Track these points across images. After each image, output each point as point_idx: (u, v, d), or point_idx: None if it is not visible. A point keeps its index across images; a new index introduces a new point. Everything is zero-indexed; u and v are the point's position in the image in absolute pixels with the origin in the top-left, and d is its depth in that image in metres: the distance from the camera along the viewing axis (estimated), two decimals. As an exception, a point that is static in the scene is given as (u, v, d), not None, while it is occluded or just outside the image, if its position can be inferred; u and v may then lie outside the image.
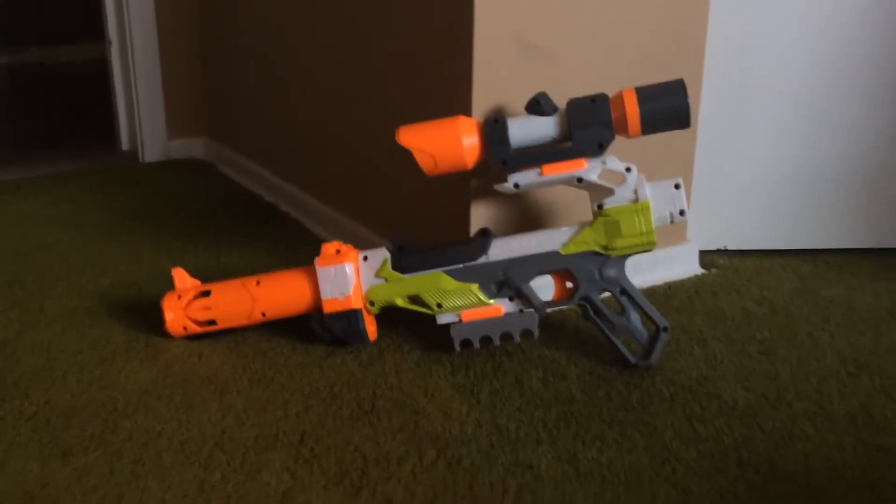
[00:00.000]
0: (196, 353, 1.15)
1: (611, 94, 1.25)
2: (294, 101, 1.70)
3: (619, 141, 1.25)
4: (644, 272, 1.34)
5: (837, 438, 0.96)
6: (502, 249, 1.11)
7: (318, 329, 1.14)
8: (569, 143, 1.08)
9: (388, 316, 1.19)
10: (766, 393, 1.05)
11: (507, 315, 1.10)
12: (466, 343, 1.11)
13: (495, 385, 1.06)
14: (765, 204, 1.47)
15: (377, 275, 1.13)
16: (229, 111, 2.04)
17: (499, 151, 1.09)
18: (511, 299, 1.11)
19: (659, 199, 1.08)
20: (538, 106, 1.09)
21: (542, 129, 1.09)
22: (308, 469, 0.90)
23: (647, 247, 1.08)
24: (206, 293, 1.17)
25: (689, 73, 1.33)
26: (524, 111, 1.13)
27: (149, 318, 1.24)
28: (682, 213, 1.08)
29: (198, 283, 1.20)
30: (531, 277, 1.10)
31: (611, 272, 1.09)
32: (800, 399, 1.04)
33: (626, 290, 1.10)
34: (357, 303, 1.12)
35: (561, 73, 1.22)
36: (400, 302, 1.13)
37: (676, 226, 1.39)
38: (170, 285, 1.35)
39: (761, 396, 1.04)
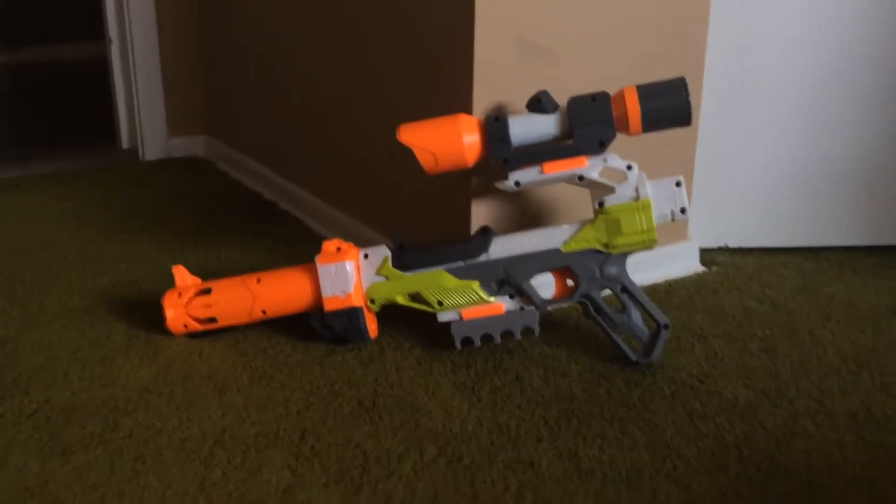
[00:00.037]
0: (196, 350, 1.15)
1: (612, 92, 1.25)
2: (294, 99, 1.70)
3: (620, 139, 1.25)
4: (645, 270, 1.34)
5: (838, 436, 0.96)
6: (503, 247, 1.11)
7: (318, 327, 1.14)
8: (570, 141, 1.08)
9: (389, 314, 1.19)
10: (767, 390, 1.05)
11: (508, 313, 1.10)
12: (467, 341, 1.11)
13: (496, 383, 1.06)
14: (765, 202, 1.47)
15: (378, 273, 1.13)
16: (229, 109, 2.04)
17: (500, 149, 1.09)
18: (512, 297, 1.11)
19: (660, 196, 1.08)
20: (539, 104, 1.09)
21: (543, 127, 1.09)
22: (309, 466, 0.90)
23: (648, 245, 1.08)
24: (207, 291, 1.17)
25: (690, 72, 1.32)
26: (525, 109, 1.13)
27: (149, 315, 1.24)
28: (682, 210, 1.08)
29: (198, 280, 1.20)
30: (532, 275, 1.10)
31: (612, 270, 1.09)
32: (801, 396, 1.04)
33: (626, 288, 1.10)
34: (358, 301, 1.12)
35: (562, 72, 1.22)
36: (401, 300, 1.13)
37: (677, 223, 1.39)
38: (170, 283, 1.35)
39: (762, 394, 1.04)
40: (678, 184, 1.08)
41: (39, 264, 1.45)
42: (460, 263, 1.11)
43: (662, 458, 0.92)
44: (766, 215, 1.48)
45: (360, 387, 1.06)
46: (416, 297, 1.12)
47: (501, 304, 1.11)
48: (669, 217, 1.08)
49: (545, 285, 1.18)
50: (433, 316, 1.13)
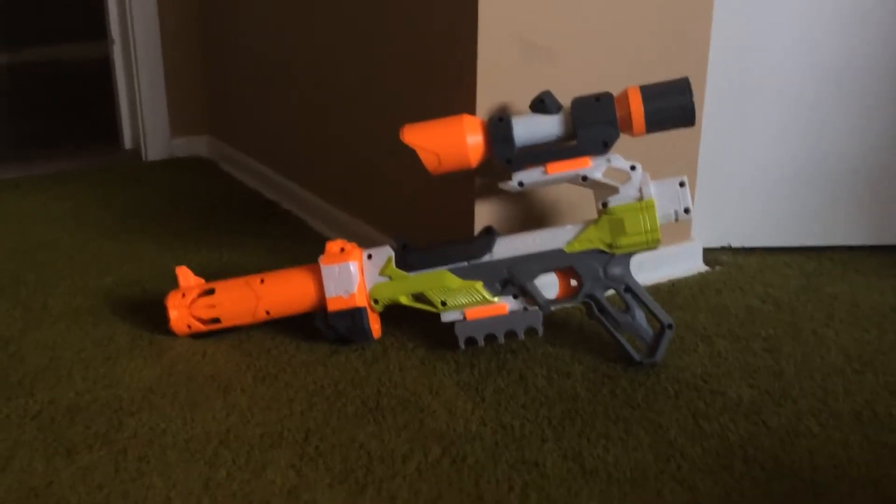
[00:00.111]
0: (200, 351, 1.15)
1: (615, 93, 1.25)
2: (296, 99, 1.70)
3: (623, 139, 1.25)
4: (648, 270, 1.34)
5: (842, 435, 0.96)
6: (507, 247, 1.11)
7: (322, 327, 1.14)
8: (573, 142, 1.08)
9: (393, 314, 1.19)
10: (771, 390, 1.05)
11: (512, 313, 1.10)
12: (471, 341, 1.11)
13: (500, 383, 1.06)
14: (768, 201, 1.47)
15: (381, 273, 1.13)
16: (231, 109, 2.04)
17: (503, 150, 1.09)
18: (515, 297, 1.11)
19: (663, 197, 1.08)
20: (542, 104, 1.09)
21: (546, 127, 1.09)
22: (313, 467, 0.90)
23: (652, 245, 1.08)
24: (211, 291, 1.17)
25: (694, 72, 1.33)
26: (528, 110, 1.13)
27: (152, 316, 1.24)
28: (686, 211, 1.08)
29: (202, 281, 1.20)
30: (535, 275, 1.10)
31: (615, 270, 1.09)
32: (804, 396, 1.04)
33: (630, 288, 1.10)
34: (361, 301, 1.12)
35: (565, 73, 1.22)
36: (404, 300, 1.13)
37: (681, 223, 1.39)
38: (173, 283, 1.35)
39: (766, 393, 1.04)
40: (682, 184, 1.08)
41: (42, 265, 1.45)
42: (464, 264, 1.11)
43: (667, 457, 0.92)
44: (769, 215, 1.48)
45: (363, 387, 1.06)
46: (419, 297, 1.12)
47: (505, 305, 1.11)
48: (673, 217, 1.08)
49: (549, 285, 1.18)
50: (437, 316, 1.13)
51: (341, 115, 1.54)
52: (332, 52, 1.53)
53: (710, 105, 1.40)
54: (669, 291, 1.33)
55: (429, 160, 1.09)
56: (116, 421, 0.99)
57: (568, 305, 1.23)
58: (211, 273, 1.39)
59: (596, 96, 1.07)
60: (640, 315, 1.10)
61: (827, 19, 1.38)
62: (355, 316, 1.12)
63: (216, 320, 1.17)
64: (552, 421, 0.98)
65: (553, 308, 1.12)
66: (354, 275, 1.12)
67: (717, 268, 1.43)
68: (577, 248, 1.09)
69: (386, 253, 1.13)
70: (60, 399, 1.03)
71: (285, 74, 1.72)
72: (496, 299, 1.11)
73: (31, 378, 1.08)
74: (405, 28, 1.30)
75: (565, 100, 1.20)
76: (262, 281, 1.16)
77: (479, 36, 1.14)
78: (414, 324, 1.20)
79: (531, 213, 1.25)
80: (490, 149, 1.09)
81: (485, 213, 1.22)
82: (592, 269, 1.09)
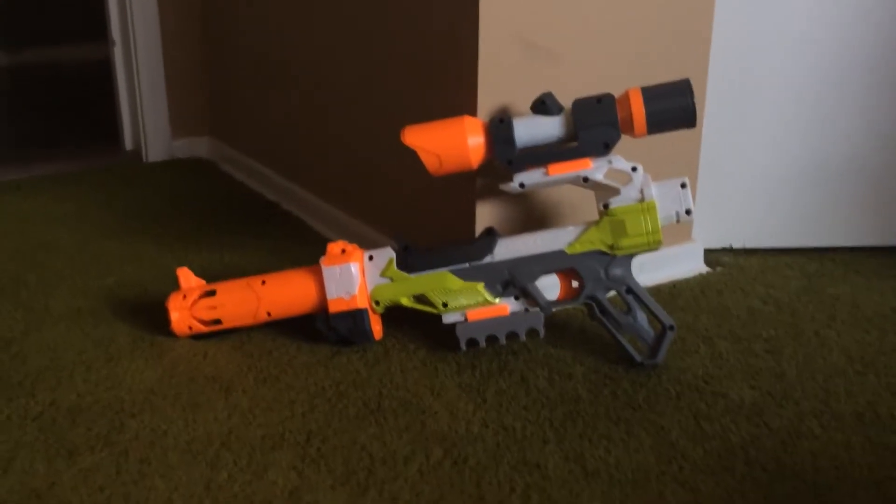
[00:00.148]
0: (201, 352, 1.15)
1: (617, 94, 1.25)
2: (296, 100, 1.70)
3: (624, 140, 1.25)
4: (649, 271, 1.34)
5: (844, 437, 0.96)
6: (508, 249, 1.11)
7: (323, 328, 1.14)
8: (574, 143, 1.08)
9: (394, 315, 1.19)
10: (773, 391, 1.05)
11: (513, 314, 1.10)
12: (472, 342, 1.11)
13: (501, 384, 1.06)
14: (770, 202, 1.47)
15: (383, 274, 1.13)
16: (232, 110, 2.04)
17: (504, 151, 1.09)
18: (517, 298, 1.11)
19: (665, 198, 1.08)
20: (544, 106, 1.09)
21: (547, 129, 1.09)
22: (315, 468, 0.90)
23: (653, 246, 1.08)
24: (212, 293, 1.17)
25: (695, 73, 1.33)
26: (529, 111, 1.13)
27: (154, 317, 1.24)
28: (688, 212, 1.08)
29: (203, 282, 1.20)
30: (537, 277, 1.10)
31: (617, 271, 1.09)
32: (806, 397, 1.04)
33: (631, 289, 1.09)
34: (362, 302, 1.12)
35: (566, 73, 1.22)
36: (405, 301, 1.13)
37: (682, 224, 1.39)
38: (175, 285, 1.35)
39: (768, 395, 1.04)
40: (683, 185, 1.08)
41: (43, 266, 1.45)
42: (465, 265, 1.11)
43: (668, 459, 0.91)
44: (771, 216, 1.48)
45: (365, 388, 1.06)
46: (420, 298, 1.12)
47: (506, 306, 1.11)
48: (674, 218, 1.08)
49: (550, 287, 1.18)
50: (438, 317, 1.13)
51: (342, 116, 1.54)
52: (332, 53, 1.53)
53: (711, 106, 1.40)
54: (671, 293, 1.33)
55: (430, 161, 1.09)
56: (118, 422, 0.99)
57: (569, 307, 1.23)
58: (212, 274, 1.39)
59: (597, 98, 1.07)
60: (641, 316, 1.10)
61: (828, 19, 1.38)
62: (356, 317, 1.12)
63: (217, 322, 1.17)
64: (554, 422, 0.98)
65: (554, 309, 1.12)
66: (356, 276, 1.12)
67: (719, 269, 1.42)
68: (579, 249, 1.09)
69: (387, 254, 1.13)
70: (62, 400, 1.03)
71: (286, 75, 1.72)
72: (497, 301, 1.11)
73: (33, 379, 1.08)
74: (405, 28, 1.30)
75: (566, 100, 1.20)
76: (264, 282, 1.16)
77: (480, 36, 1.14)
78: (415, 325, 1.20)
79: (532, 215, 1.25)
80: (491, 150, 1.09)
81: (486, 215, 1.22)
82: (594, 270, 1.09)
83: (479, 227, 1.22)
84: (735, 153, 1.44)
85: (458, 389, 1.05)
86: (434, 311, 1.12)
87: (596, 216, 1.26)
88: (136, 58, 2.07)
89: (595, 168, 1.08)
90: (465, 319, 1.11)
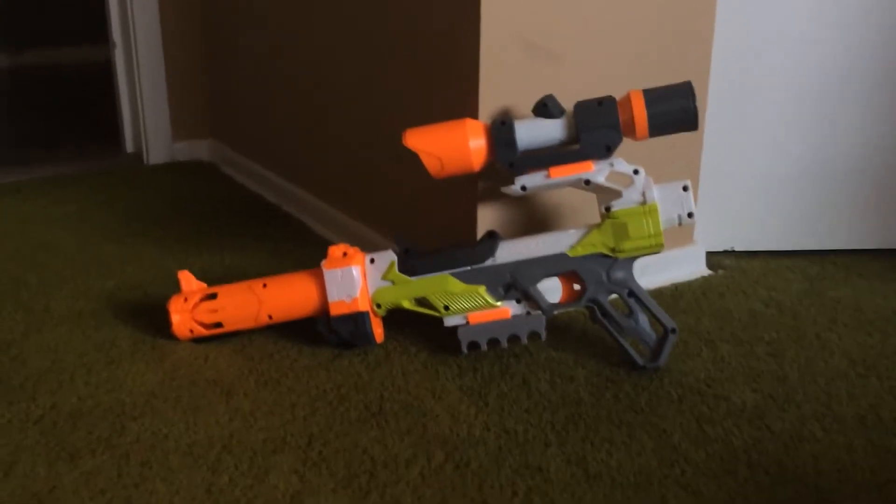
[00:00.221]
0: (202, 355, 1.15)
1: (618, 95, 1.25)
2: (297, 102, 1.70)
3: (625, 143, 1.25)
4: (651, 273, 1.34)
5: (846, 440, 0.96)
6: (509, 252, 1.10)
7: (324, 331, 1.14)
8: (576, 146, 1.08)
9: (395, 318, 1.19)
10: (775, 394, 1.05)
11: (515, 317, 1.10)
12: (474, 345, 1.11)
13: (503, 387, 1.06)
14: (771, 205, 1.47)
15: (384, 277, 1.13)
16: (233, 113, 2.04)
17: (506, 154, 1.08)
18: (518, 301, 1.11)
19: (667, 200, 1.08)
20: (545, 108, 1.08)
21: (549, 131, 1.09)
22: (316, 472, 0.90)
23: (655, 249, 1.08)
24: (213, 296, 1.16)
25: (696, 74, 1.32)
26: (531, 113, 1.13)
27: (155, 320, 1.24)
28: (690, 215, 1.07)
29: (204, 285, 1.20)
30: (538, 280, 1.10)
31: (619, 274, 1.09)
32: (808, 400, 1.04)
33: (633, 292, 1.09)
34: (364, 305, 1.12)
35: (567, 74, 1.22)
36: (407, 304, 1.12)
37: (684, 227, 1.39)
38: (176, 287, 1.35)
39: (770, 398, 1.04)
40: (685, 188, 1.07)
41: (44, 268, 1.45)
42: (467, 268, 1.11)
43: (671, 462, 0.91)
44: (772, 218, 1.48)
45: (366, 391, 1.06)
46: (422, 301, 1.12)
47: (508, 309, 1.10)
48: (676, 221, 1.08)
49: (552, 290, 1.18)
50: (439, 320, 1.13)
51: (342, 118, 1.54)
52: (332, 54, 1.53)
53: (713, 107, 1.40)
54: (672, 295, 1.33)
55: (431, 164, 1.09)
56: (119, 425, 0.98)
57: (571, 309, 1.23)
58: (213, 277, 1.39)
59: (599, 100, 1.07)
60: (643, 319, 1.10)
61: (829, 19, 1.38)
62: (358, 320, 1.12)
63: (218, 325, 1.16)
64: (556, 425, 0.98)
65: (556, 312, 1.11)
66: (357, 279, 1.12)
67: (720, 272, 1.42)
68: (581, 252, 1.09)
69: (388, 257, 1.13)
70: (63, 403, 1.03)
71: (286, 78, 1.72)
72: (499, 303, 1.11)
73: (34, 382, 1.08)
74: (406, 29, 1.30)
75: (568, 101, 1.20)
76: (265, 285, 1.15)
77: (482, 37, 1.14)
78: (416, 328, 1.20)
79: (534, 217, 1.25)
80: (493, 153, 1.09)
81: (487, 217, 1.22)
82: (596, 273, 1.09)
83: (481, 230, 1.22)
84: (736, 155, 1.44)
85: (460, 392, 1.05)
86: (435, 314, 1.12)
87: (597, 219, 1.26)
88: (137, 60, 2.07)
89: (597, 171, 1.08)
90: (467, 322, 1.11)
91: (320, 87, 1.60)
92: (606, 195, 1.08)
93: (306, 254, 1.50)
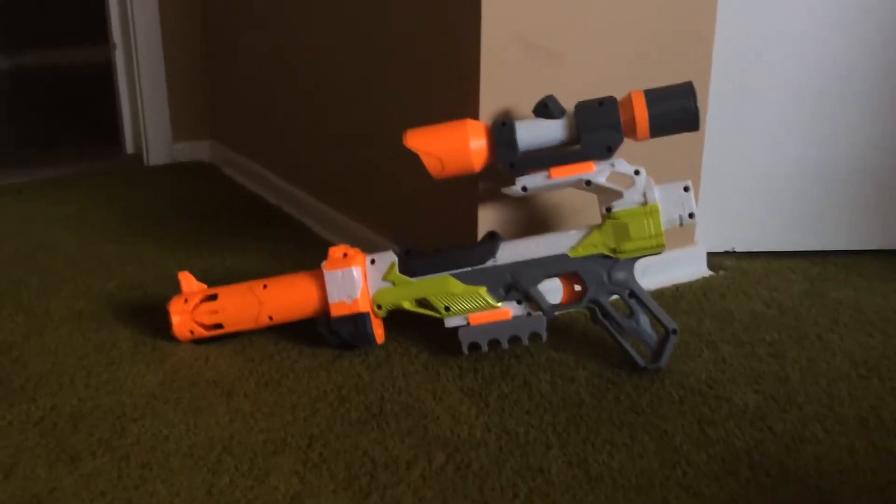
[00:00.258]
0: (203, 356, 1.14)
1: (619, 96, 1.25)
2: (297, 103, 1.70)
3: (626, 143, 1.24)
4: (652, 274, 1.34)
5: (848, 441, 0.96)
6: (510, 253, 1.10)
7: (325, 332, 1.14)
8: (577, 146, 1.08)
9: (396, 319, 1.19)
10: (776, 395, 1.05)
11: (516, 318, 1.10)
12: (474, 346, 1.11)
13: (504, 388, 1.06)
14: (772, 205, 1.46)
15: (384, 278, 1.12)
16: (233, 114, 2.03)
17: (506, 155, 1.08)
18: (519, 302, 1.11)
19: (668, 201, 1.07)
20: (546, 109, 1.08)
21: (549, 132, 1.08)
22: (317, 473, 0.90)
23: (657, 249, 1.08)
24: (213, 297, 1.16)
25: (697, 74, 1.32)
26: (532, 114, 1.13)
27: (155, 321, 1.24)
28: (691, 215, 1.07)
29: (204, 286, 1.20)
30: (539, 280, 1.10)
31: (619, 275, 1.09)
32: (810, 402, 1.03)
33: (634, 293, 1.09)
34: (364, 306, 1.12)
35: (568, 74, 1.22)
36: (407, 305, 1.12)
37: (684, 228, 1.39)
38: (176, 289, 1.34)
39: (771, 399, 1.04)
40: (686, 188, 1.07)
41: (44, 268, 1.45)
42: (467, 269, 1.11)
43: (672, 464, 0.91)
44: (773, 219, 1.47)
45: (367, 392, 1.05)
46: (422, 302, 1.12)
47: (509, 310, 1.10)
48: (678, 222, 1.08)
49: (553, 290, 1.18)
50: (440, 321, 1.13)
51: (343, 118, 1.53)
52: (332, 54, 1.53)
53: (713, 108, 1.40)
54: (673, 296, 1.32)
55: (432, 165, 1.09)
56: (119, 427, 0.98)
57: (572, 310, 1.22)
58: (213, 278, 1.39)
59: (599, 101, 1.07)
60: (644, 320, 1.10)
61: (830, 19, 1.38)
62: (358, 321, 1.12)
63: (219, 326, 1.16)
64: (557, 427, 0.98)
65: (557, 313, 1.11)
66: (357, 280, 1.12)
67: (721, 272, 1.42)
68: (582, 252, 1.09)
69: (389, 258, 1.13)
70: (63, 405, 1.03)
71: (286, 79, 1.72)
72: (500, 304, 1.10)
73: (34, 384, 1.08)
74: (406, 29, 1.30)
75: (568, 101, 1.20)
76: (265, 286, 1.15)
77: (483, 37, 1.14)
78: (417, 329, 1.20)
79: (535, 218, 1.25)
80: (493, 153, 1.09)
81: (488, 218, 1.22)
82: (596, 274, 1.09)
83: (482, 231, 1.22)
84: (737, 156, 1.44)
85: (461, 394, 1.05)
86: (436, 314, 1.12)
87: (598, 220, 1.26)
88: (137, 61, 2.07)
89: (598, 171, 1.08)
90: (468, 323, 1.11)
91: (320, 87, 1.59)
92: (607, 196, 1.08)
93: (307, 255, 1.50)
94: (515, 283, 1.10)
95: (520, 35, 1.16)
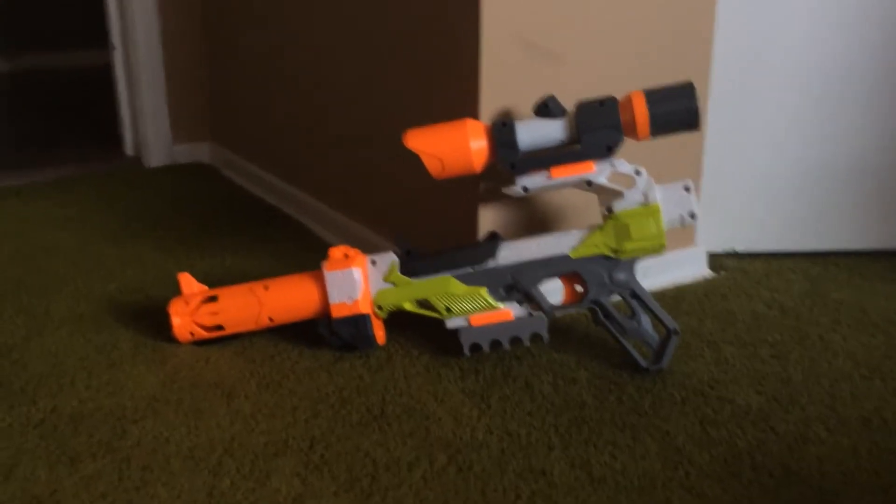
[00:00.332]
0: (203, 358, 1.14)
1: (619, 96, 1.24)
2: (297, 104, 1.69)
3: (627, 143, 1.24)
4: (653, 275, 1.33)
5: (851, 442, 0.95)
6: (511, 253, 1.10)
7: (325, 334, 1.13)
8: (577, 146, 1.08)
9: (397, 320, 1.19)
10: (779, 396, 1.04)
11: (517, 319, 1.10)
12: (476, 347, 1.11)
13: (505, 390, 1.06)
14: (773, 205, 1.46)
15: (385, 279, 1.12)
16: (233, 116, 2.03)
17: (507, 155, 1.08)
18: (520, 303, 1.10)
19: (669, 201, 1.07)
20: (546, 109, 1.08)
21: (550, 132, 1.08)
22: (318, 475, 0.90)
23: (658, 250, 1.07)
24: (214, 298, 1.16)
25: (697, 75, 1.32)
26: (532, 114, 1.12)
27: (155, 323, 1.24)
28: (692, 215, 1.07)
29: (205, 288, 1.20)
30: (540, 281, 1.10)
31: (621, 275, 1.09)
32: (812, 402, 1.03)
33: (636, 294, 1.09)
34: (365, 307, 1.12)
35: (568, 74, 1.22)
36: (408, 306, 1.12)
37: (686, 228, 1.39)
38: (176, 290, 1.34)
39: (774, 400, 1.04)
40: (687, 188, 1.07)
41: (45, 270, 1.44)
42: (468, 269, 1.10)
43: (675, 465, 0.91)
44: (774, 219, 1.47)
45: (368, 394, 1.05)
46: (423, 303, 1.11)
47: (510, 311, 1.10)
48: (679, 222, 1.08)
49: (554, 291, 1.18)
50: (441, 322, 1.13)
51: (342, 118, 1.53)
52: (332, 54, 1.53)
53: (714, 108, 1.40)
54: (675, 297, 1.32)
55: (432, 165, 1.09)
56: (120, 429, 0.98)
57: (573, 311, 1.22)
58: (214, 279, 1.39)
59: (600, 100, 1.07)
60: (645, 321, 1.10)
61: (831, 19, 1.38)
62: (359, 323, 1.12)
63: (219, 327, 1.16)
64: (559, 428, 0.98)
65: (558, 314, 1.11)
66: (358, 281, 1.12)
67: (723, 273, 1.42)
68: (583, 253, 1.09)
69: (390, 259, 1.13)
70: (63, 407, 1.03)
71: (286, 78, 1.72)
72: (501, 305, 1.10)
73: (34, 385, 1.07)
74: (406, 29, 1.30)
75: (569, 101, 1.20)
76: (266, 287, 1.15)
77: (482, 38, 1.14)
78: (418, 330, 1.19)
79: (535, 219, 1.25)
80: (494, 153, 1.09)
81: (489, 219, 1.22)
82: (598, 274, 1.09)
83: (482, 231, 1.22)
84: (737, 156, 1.44)
85: (462, 395, 1.05)
86: (437, 315, 1.11)
87: (599, 220, 1.26)
88: (137, 63, 2.07)
89: (598, 171, 1.08)
90: (469, 324, 1.10)
91: (320, 87, 1.59)
92: (608, 196, 1.08)
93: (307, 255, 1.50)
94: (516, 284, 1.09)
95: (520, 35, 1.16)
